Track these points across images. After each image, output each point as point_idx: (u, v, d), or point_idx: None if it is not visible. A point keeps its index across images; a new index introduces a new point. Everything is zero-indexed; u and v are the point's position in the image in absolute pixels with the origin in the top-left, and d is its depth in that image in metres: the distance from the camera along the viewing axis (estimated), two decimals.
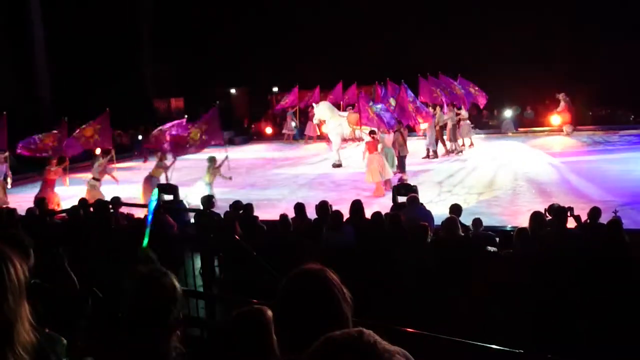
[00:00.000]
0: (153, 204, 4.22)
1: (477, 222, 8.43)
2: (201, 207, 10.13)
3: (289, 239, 7.97)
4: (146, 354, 2.27)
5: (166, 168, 14.48)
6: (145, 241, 3.45)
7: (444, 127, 19.70)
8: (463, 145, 20.51)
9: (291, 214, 8.99)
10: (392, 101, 18.01)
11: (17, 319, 1.78)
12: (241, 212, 9.50)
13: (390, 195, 11.66)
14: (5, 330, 1.76)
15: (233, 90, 33.44)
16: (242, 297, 5.40)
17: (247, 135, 28.95)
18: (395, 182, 14.01)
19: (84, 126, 15.48)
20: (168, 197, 11.73)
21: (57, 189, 14.55)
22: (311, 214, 9.26)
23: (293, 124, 26.22)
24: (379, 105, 16.34)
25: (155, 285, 2.51)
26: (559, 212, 7.33)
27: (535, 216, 7.34)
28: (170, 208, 10.52)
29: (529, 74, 23.30)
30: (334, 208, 8.70)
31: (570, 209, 7.28)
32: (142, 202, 12.63)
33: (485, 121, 26.03)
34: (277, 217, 8.69)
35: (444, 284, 6.20)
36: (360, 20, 27.09)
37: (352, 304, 1.93)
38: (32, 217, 9.79)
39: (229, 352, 2.20)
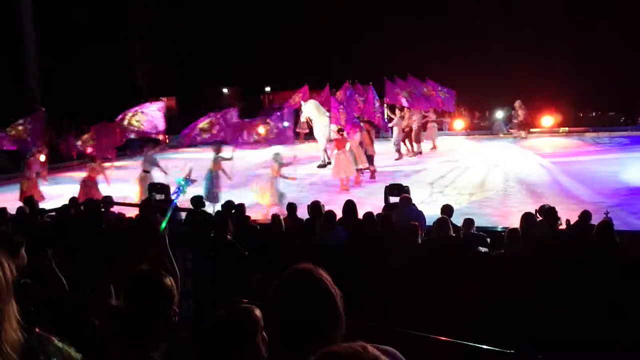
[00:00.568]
0: (183, 184, 4.18)
1: (468, 222, 8.45)
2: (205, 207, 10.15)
3: (281, 238, 7.97)
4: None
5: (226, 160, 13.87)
6: (164, 224, 3.47)
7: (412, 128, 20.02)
8: (434, 147, 21.00)
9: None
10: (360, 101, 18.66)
11: (4, 318, 1.77)
12: (233, 211, 9.49)
13: (362, 191, 12.78)
14: None
15: (225, 90, 33.38)
16: (233, 297, 5.38)
17: None
18: (367, 177, 15.55)
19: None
20: (159, 197, 11.69)
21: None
22: (302, 214, 9.26)
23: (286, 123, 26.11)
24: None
25: (154, 283, 2.53)
26: (548, 213, 7.38)
27: (526, 217, 7.38)
28: (161, 207, 10.49)
29: (520, 75, 23.37)
30: (326, 208, 8.71)
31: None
32: (136, 201, 12.60)
33: (476, 122, 26.15)
34: (269, 218, 8.68)
35: (434, 284, 6.21)
36: (348, 19, 27.13)
37: (343, 303, 1.93)
38: (22, 215, 9.74)
39: (215, 353, 2.19)
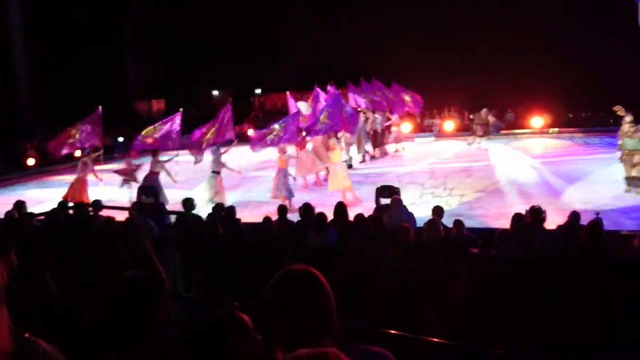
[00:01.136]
0: None
1: (459, 223, 8.45)
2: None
3: (272, 240, 7.96)
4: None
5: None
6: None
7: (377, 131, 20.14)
8: (397, 150, 21.21)
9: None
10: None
11: None
12: (223, 213, 9.46)
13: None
14: None
15: (215, 92, 33.32)
16: (224, 299, 5.36)
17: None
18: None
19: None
20: (149, 200, 11.63)
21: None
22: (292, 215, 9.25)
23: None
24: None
25: (147, 284, 2.52)
26: (537, 213, 7.41)
27: (517, 218, 7.41)
28: (151, 210, 10.45)
29: (510, 76, 23.47)
30: (317, 210, 8.71)
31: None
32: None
33: (467, 124, 26.19)
34: (260, 219, 8.67)
35: (426, 285, 6.21)
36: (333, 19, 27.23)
37: (335, 304, 1.94)
38: (11, 219, 9.67)
39: (206, 355, 2.18)
